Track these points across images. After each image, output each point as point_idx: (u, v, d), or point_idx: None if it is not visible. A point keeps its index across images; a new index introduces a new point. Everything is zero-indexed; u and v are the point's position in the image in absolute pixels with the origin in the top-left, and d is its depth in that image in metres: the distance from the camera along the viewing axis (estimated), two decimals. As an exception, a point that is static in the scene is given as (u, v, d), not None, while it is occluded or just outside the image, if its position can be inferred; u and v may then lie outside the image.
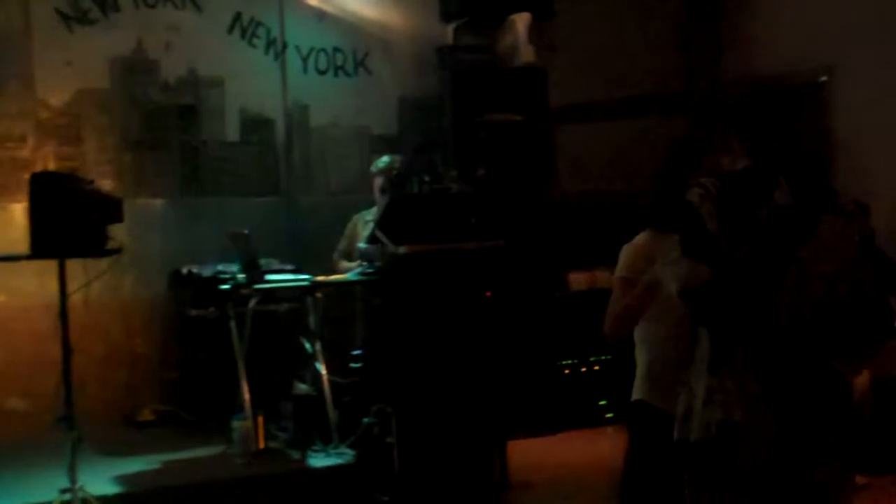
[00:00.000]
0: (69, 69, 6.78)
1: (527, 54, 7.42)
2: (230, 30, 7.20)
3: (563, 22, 7.65)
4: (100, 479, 5.25)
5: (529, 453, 6.35)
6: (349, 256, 6.70)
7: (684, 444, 3.02)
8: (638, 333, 3.77)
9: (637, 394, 3.79)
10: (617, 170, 8.01)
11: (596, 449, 6.73)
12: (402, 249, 5.92)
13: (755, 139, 3.05)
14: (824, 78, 7.62)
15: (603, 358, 7.12)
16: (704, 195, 2.96)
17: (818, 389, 2.91)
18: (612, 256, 3.82)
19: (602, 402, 7.17)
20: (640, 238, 3.78)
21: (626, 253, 3.79)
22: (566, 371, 7.16)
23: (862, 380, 5.59)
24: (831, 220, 2.92)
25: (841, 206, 3.00)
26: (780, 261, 2.86)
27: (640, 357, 3.80)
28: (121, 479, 5.40)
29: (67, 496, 4.82)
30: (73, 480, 4.85)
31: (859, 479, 5.66)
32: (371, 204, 6.74)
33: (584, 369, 7.17)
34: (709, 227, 2.93)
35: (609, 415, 7.14)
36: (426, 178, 6.49)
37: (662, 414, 3.45)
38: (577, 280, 7.37)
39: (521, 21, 7.42)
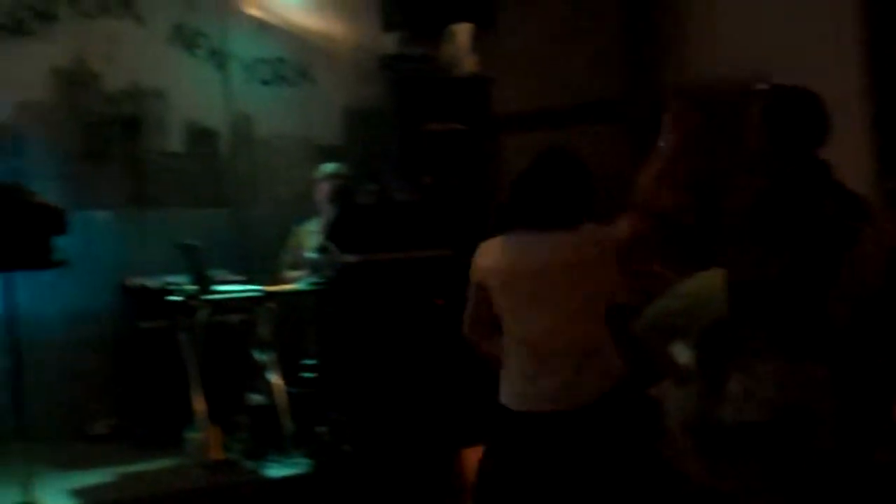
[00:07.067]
0: (7, 82, 6.69)
1: (469, 64, 7.49)
2: (171, 41, 7.16)
3: (505, 31, 7.72)
4: (55, 493, 5.21)
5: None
6: (294, 268, 6.70)
7: (743, 426, 3.09)
8: None
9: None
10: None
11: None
12: (351, 258, 5.95)
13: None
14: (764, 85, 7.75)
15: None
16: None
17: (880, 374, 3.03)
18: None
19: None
20: None
21: None
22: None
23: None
24: (869, 230, 3.08)
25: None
26: (826, 265, 2.97)
27: None
28: (77, 493, 5.35)
29: (23, 511, 4.78)
30: (28, 493, 4.81)
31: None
32: (315, 215, 6.74)
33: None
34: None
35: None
36: (373, 188, 6.54)
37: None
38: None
39: (463, 31, 7.48)
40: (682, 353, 4.82)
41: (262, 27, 7.44)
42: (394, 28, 7.61)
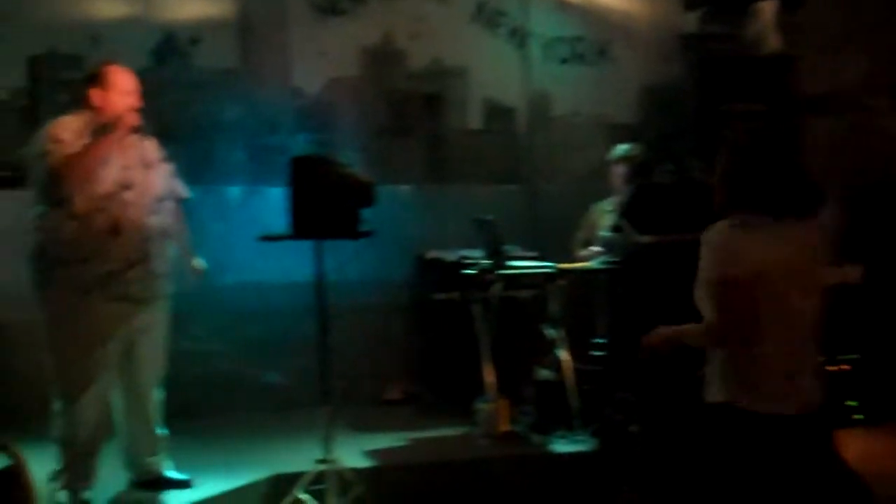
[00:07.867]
0: (322, 59, 7.04)
1: (773, 42, 7.24)
2: (474, 20, 7.31)
3: (812, 8, 7.40)
4: (352, 453, 5.43)
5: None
6: (587, 247, 6.70)
7: None
8: None
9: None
10: (867, 160, 7.71)
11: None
12: (646, 239, 5.89)
13: None
14: None
15: (851, 357, 6.84)
16: None
17: None
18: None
19: (851, 403, 6.89)
20: None
21: None
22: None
23: None
24: None
25: None
26: None
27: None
28: (372, 454, 5.58)
29: (323, 466, 4.99)
30: (328, 452, 5.03)
31: None
32: (609, 194, 6.71)
33: (831, 368, 6.91)
34: None
35: (858, 416, 6.86)
36: (670, 168, 6.44)
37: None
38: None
39: (768, 8, 7.25)
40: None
41: (562, 6, 7.49)
42: (696, 6, 7.46)
